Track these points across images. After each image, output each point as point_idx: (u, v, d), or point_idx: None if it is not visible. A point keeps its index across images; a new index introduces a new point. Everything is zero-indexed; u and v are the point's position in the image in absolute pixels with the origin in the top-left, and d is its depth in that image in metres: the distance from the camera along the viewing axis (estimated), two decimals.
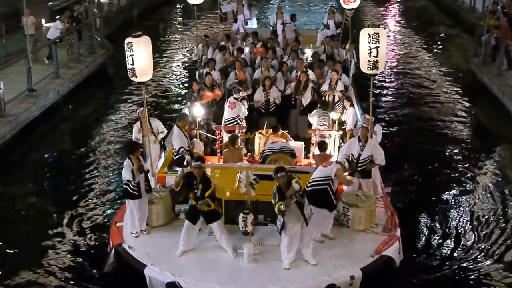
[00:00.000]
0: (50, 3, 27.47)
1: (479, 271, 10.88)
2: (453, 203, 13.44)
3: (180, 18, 35.74)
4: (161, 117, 14.54)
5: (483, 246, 11.63)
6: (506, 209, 13.03)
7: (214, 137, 13.37)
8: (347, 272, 9.17)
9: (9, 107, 16.24)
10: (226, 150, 12.57)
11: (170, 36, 30.83)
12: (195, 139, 12.71)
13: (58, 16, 22.13)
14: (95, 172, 14.84)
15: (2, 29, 21.46)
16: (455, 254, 11.39)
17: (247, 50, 17.71)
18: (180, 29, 32.51)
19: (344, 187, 10.89)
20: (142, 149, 11.29)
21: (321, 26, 22.59)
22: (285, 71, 15.58)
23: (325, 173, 10.01)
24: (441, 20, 33.28)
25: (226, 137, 13.05)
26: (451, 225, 12.46)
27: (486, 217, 12.75)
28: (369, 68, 10.79)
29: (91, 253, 11.33)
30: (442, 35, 30.22)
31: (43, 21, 23.97)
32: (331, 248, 9.88)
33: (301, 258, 9.47)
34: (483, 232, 12.14)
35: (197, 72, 17.23)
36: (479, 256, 11.31)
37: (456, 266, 11.03)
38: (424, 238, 11.95)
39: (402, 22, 33.96)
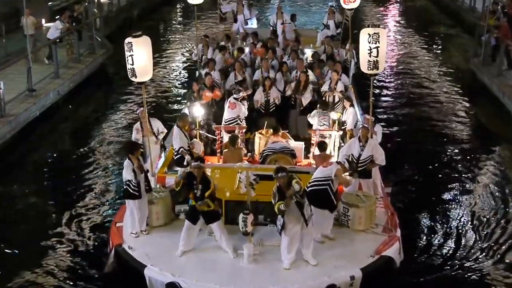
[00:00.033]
0: (50, 3, 27.46)
1: (479, 271, 10.87)
2: (453, 203, 13.44)
3: (180, 18, 35.74)
4: (161, 117, 14.53)
5: (483, 246, 11.63)
6: (506, 209, 13.03)
7: (214, 137, 13.36)
8: (347, 273, 9.16)
9: (9, 107, 16.24)
10: (226, 150, 12.56)
11: (170, 36, 30.82)
12: (195, 139, 12.71)
13: (58, 16, 22.12)
14: (95, 172, 14.83)
15: (2, 29, 21.45)
16: (456, 254, 11.39)
17: (247, 50, 17.71)
18: (180, 29, 32.50)
19: (345, 187, 10.89)
20: (142, 150, 11.28)
21: (321, 26, 22.60)
22: (285, 71, 15.57)
23: (325, 173, 10.01)
24: (441, 20, 33.27)
25: (226, 137, 13.04)
26: (452, 225, 12.46)
27: (486, 217, 12.76)
28: (369, 68, 10.78)
29: (91, 254, 11.33)
30: (442, 35, 30.22)
31: (43, 21, 24.00)
32: (331, 248, 9.87)
33: (301, 259, 9.46)
34: (484, 232, 12.14)
35: (197, 72, 17.23)
36: (479, 256, 11.31)
37: (456, 266, 11.02)
38: (424, 238, 11.94)
39: (402, 22, 33.94)
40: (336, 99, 14.53)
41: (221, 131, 13.13)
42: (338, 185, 10.28)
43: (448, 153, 16.18)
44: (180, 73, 24.09)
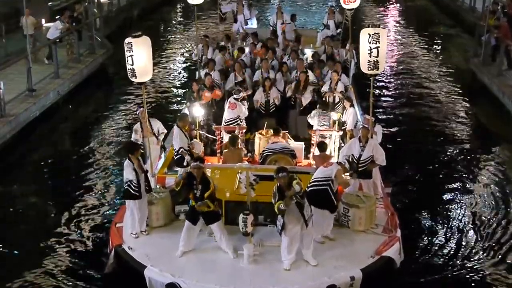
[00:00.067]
0: (50, 3, 27.46)
1: (480, 271, 10.87)
2: (453, 203, 13.44)
3: (180, 18, 35.72)
4: (161, 118, 14.52)
5: (484, 246, 11.63)
6: (507, 209, 13.02)
7: (214, 137, 13.36)
8: (347, 273, 9.15)
9: (9, 107, 16.23)
10: (226, 150, 12.55)
11: (170, 36, 30.81)
12: (195, 140, 12.70)
13: (58, 16, 22.11)
14: (95, 172, 14.83)
15: (2, 29, 21.46)
16: (456, 255, 11.38)
17: (247, 50, 17.71)
18: (180, 29, 32.49)
19: (343, 188, 10.88)
20: (142, 150, 11.27)
21: (321, 26, 22.59)
22: (285, 71, 15.57)
23: (325, 173, 10.01)
24: (441, 20, 33.28)
25: (226, 138, 13.04)
26: (452, 225, 12.46)
27: (487, 217, 12.76)
28: (369, 68, 10.77)
29: (90, 254, 11.32)
30: (442, 35, 30.22)
31: (43, 21, 23.99)
32: (332, 249, 9.86)
33: (301, 259, 9.46)
34: (484, 232, 12.13)
35: (197, 73, 17.22)
36: (480, 257, 11.31)
37: (457, 266, 11.02)
38: (424, 238, 11.93)
39: (402, 22, 33.94)
40: (337, 100, 14.52)
41: (221, 131, 13.13)
42: (338, 186, 10.27)
43: (448, 153, 16.18)
44: (180, 73, 24.09)
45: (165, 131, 12.65)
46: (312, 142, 12.88)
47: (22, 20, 20.78)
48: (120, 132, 17.43)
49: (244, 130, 13.27)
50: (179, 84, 22.49)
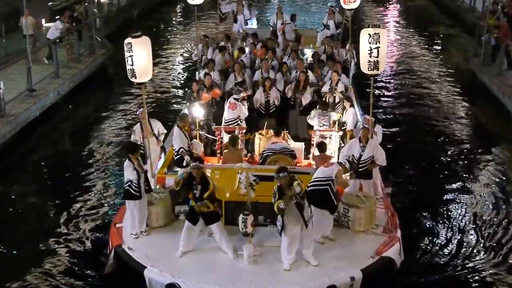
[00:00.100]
0: (50, 3, 27.47)
1: (481, 272, 10.86)
2: (453, 203, 13.43)
3: (180, 18, 35.72)
4: (161, 118, 14.51)
5: (484, 247, 11.62)
6: (507, 210, 13.01)
7: (214, 137, 13.35)
8: (347, 273, 9.14)
9: (9, 107, 16.23)
10: (226, 151, 12.54)
11: (170, 36, 30.81)
12: (194, 140, 12.69)
13: (58, 16, 22.11)
14: (95, 172, 14.82)
15: (2, 29, 21.45)
16: (457, 255, 11.36)
17: (247, 50, 17.71)
18: (180, 29, 32.50)
19: (342, 188, 10.88)
20: (142, 151, 11.26)
21: (321, 26, 22.59)
22: (285, 71, 15.58)
23: (326, 173, 10.00)
24: (441, 20, 33.29)
25: (226, 138, 13.03)
26: (452, 226, 12.45)
27: (487, 217, 12.75)
28: (369, 69, 10.76)
29: (90, 254, 11.31)
30: (442, 35, 30.23)
31: (43, 21, 23.99)
32: (331, 249, 9.85)
33: (301, 260, 9.45)
34: (485, 233, 12.12)
35: (197, 73, 17.23)
36: (481, 257, 11.30)
37: (457, 266, 11.01)
38: (424, 238, 11.91)
39: (402, 22, 33.94)
40: (337, 100, 14.51)
41: (221, 131, 13.12)
42: (337, 186, 10.26)
43: (448, 153, 16.18)
44: (180, 73, 24.09)
45: (165, 131, 12.64)
46: (312, 142, 12.87)
47: (21, 20, 20.79)
48: (120, 132, 17.43)
49: (244, 131, 13.26)
50: (179, 84, 22.49)
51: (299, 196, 9.09)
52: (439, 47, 27.92)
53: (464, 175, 14.78)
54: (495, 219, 12.66)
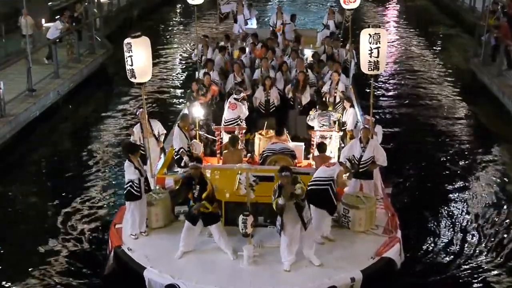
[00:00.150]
0: (50, 3, 27.43)
1: (481, 272, 10.84)
2: (454, 204, 13.42)
3: (180, 18, 35.70)
4: (161, 118, 14.51)
5: (485, 247, 11.60)
6: (507, 210, 13.00)
7: (214, 138, 13.34)
8: (347, 274, 9.13)
9: (9, 107, 16.21)
10: (226, 151, 12.53)
11: (170, 37, 30.80)
12: (194, 140, 12.67)
13: (58, 16, 22.09)
14: (94, 172, 14.80)
15: (2, 29, 21.45)
16: (457, 255, 11.35)
17: (247, 50, 17.71)
18: (180, 29, 32.48)
19: (345, 188, 10.87)
20: (142, 151, 11.25)
21: (321, 26, 22.59)
22: (284, 70, 15.58)
23: (327, 173, 9.98)
24: (441, 20, 33.28)
25: (226, 138, 13.02)
26: (453, 226, 12.44)
27: (487, 217, 12.74)
28: (370, 69, 10.76)
29: (90, 255, 11.31)
30: (442, 35, 30.22)
31: (43, 21, 23.97)
32: (332, 250, 9.84)
33: (301, 260, 9.43)
34: (485, 233, 12.12)
35: (197, 73, 17.23)
36: (481, 257, 11.28)
37: (458, 267, 10.99)
38: (425, 239, 11.89)
39: (402, 22, 33.94)
40: (337, 99, 14.50)
41: (220, 132, 13.11)
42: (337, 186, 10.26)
43: (448, 153, 16.17)
44: (180, 73, 24.08)
45: (165, 131, 12.64)
46: (312, 142, 12.86)
47: (20, 20, 20.79)
48: (120, 132, 17.41)
49: (244, 131, 13.24)
50: (179, 84, 22.47)
51: (301, 198, 9.06)
52: (439, 47, 27.92)
53: (464, 175, 14.77)
54: (496, 219, 12.65)
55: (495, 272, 10.83)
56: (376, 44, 10.52)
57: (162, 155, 12.44)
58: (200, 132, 13.28)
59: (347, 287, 9.08)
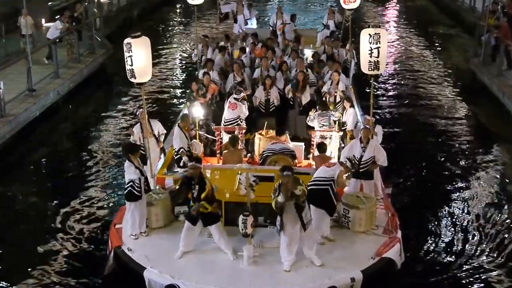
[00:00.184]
0: (50, 3, 27.44)
1: (483, 272, 10.84)
2: (453, 204, 13.41)
3: (180, 18, 35.70)
4: (161, 118, 14.50)
5: (485, 247, 11.60)
6: (508, 210, 12.99)
7: (214, 138, 13.33)
8: (347, 275, 9.12)
9: (9, 107, 16.21)
10: (226, 151, 12.52)
11: (170, 37, 30.80)
12: (194, 140, 12.66)
13: (58, 16, 22.10)
14: (94, 172, 14.80)
15: (2, 29, 21.45)
16: (457, 256, 11.35)
17: (247, 50, 17.71)
18: (180, 29, 32.49)
19: (346, 188, 10.87)
20: (142, 151, 11.24)
21: (321, 26, 22.59)
22: (284, 70, 15.58)
23: (328, 173, 9.97)
24: (441, 20, 33.28)
25: (225, 138, 13.01)
26: (453, 226, 12.43)
27: (487, 217, 12.73)
28: (370, 69, 10.76)
29: (90, 255, 11.31)
30: (442, 35, 30.20)
31: (43, 21, 23.96)
32: (332, 250, 9.83)
33: (301, 261, 9.42)
34: (485, 233, 12.11)
35: (197, 73, 17.23)
36: (482, 257, 11.28)
37: (458, 267, 10.99)
38: (425, 239, 11.89)
39: (402, 22, 33.93)
40: (338, 99, 14.49)
41: (220, 132, 13.10)
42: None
43: (448, 153, 16.16)
44: (179, 73, 24.08)
45: (165, 131, 12.63)
46: (312, 142, 12.86)
47: (19, 20, 20.78)
48: (120, 132, 17.41)
49: (244, 131, 13.23)
50: (179, 84, 22.48)
51: (301, 200, 9.05)
52: (439, 47, 27.90)
53: (464, 175, 14.76)
54: (496, 219, 12.64)
55: (496, 272, 10.83)
56: (376, 44, 10.52)
57: (162, 155, 12.43)
58: (200, 132, 13.27)
59: (347, 287, 9.07)
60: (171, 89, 21.84)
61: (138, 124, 12.12)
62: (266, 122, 13.63)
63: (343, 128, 13.40)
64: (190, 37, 28.91)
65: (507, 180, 14.50)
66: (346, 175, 10.48)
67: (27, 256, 11.32)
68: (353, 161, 10.97)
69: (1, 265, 11.09)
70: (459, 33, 29.31)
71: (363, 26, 11.02)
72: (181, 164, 11.43)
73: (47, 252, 11.38)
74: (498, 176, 14.72)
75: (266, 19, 30.38)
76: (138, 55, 10.26)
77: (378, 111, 18.41)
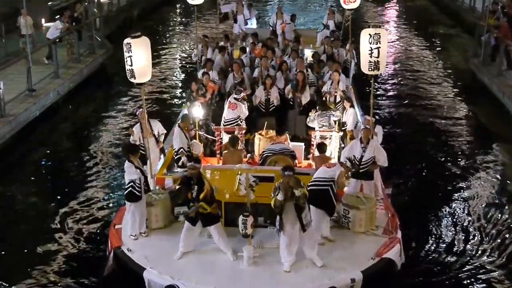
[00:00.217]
0: (50, 3, 27.44)
1: (483, 273, 10.82)
2: (454, 204, 13.40)
3: (180, 18, 35.70)
4: (161, 118, 14.49)
5: (486, 248, 11.58)
6: (508, 210, 12.98)
7: (214, 138, 13.32)
8: (347, 275, 9.11)
9: (9, 107, 16.20)
10: (225, 151, 12.51)
11: (170, 37, 30.80)
12: (194, 140, 12.65)
13: (58, 16, 22.10)
14: (95, 173, 14.79)
15: (2, 29, 21.44)
16: (458, 256, 11.33)
17: (247, 50, 17.71)
18: (180, 29, 32.49)
19: (346, 188, 10.86)
20: (142, 151, 11.23)
21: (320, 26, 22.59)
22: (284, 70, 15.57)
23: (328, 174, 9.96)
24: (441, 20, 33.27)
25: (225, 138, 13.00)
26: (453, 226, 12.42)
27: (487, 217, 12.71)
28: (370, 69, 10.75)
29: (89, 255, 11.31)
30: (442, 35, 30.19)
31: (43, 21, 23.95)
32: (332, 250, 9.82)
33: (301, 261, 9.41)
34: (486, 233, 12.09)
35: (197, 73, 17.22)
36: (482, 258, 11.26)
37: (458, 268, 10.96)
38: (425, 239, 11.88)
39: (402, 22, 33.93)
40: (338, 99, 14.49)
41: (220, 132, 13.09)
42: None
43: (448, 153, 16.15)
44: (179, 73, 24.07)
45: (165, 131, 12.62)
46: (312, 143, 12.85)
47: (19, 20, 20.77)
48: (120, 132, 17.39)
49: (243, 131, 13.22)
50: (179, 84, 22.47)
51: (301, 201, 9.04)
52: (439, 47, 27.89)
53: (464, 175, 14.75)
54: (497, 219, 12.62)
55: (497, 272, 10.80)
56: (377, 44, 10.51)
57: (162, 156, 12.42)
58: (200, 132, 13.26)
59: None
60: (171, 89, 21.84)
61: (138, 124, 12.11)
62: (266, 122, 13.61)
63: (343, 128, 13.38)
64: (190, 37, 28.90)
65: (507, 180, 14.49)
66: (347, 174, 10.49)
67: (27, 256, 11.32)
68: (353, 162, 10.97)
69: (1, 265, 11.08)
70: (459, 33, 29.30)
71: (363, 26, 11.02)
72: (180, 164, 11.42)
73: (47, 252, 11.37)
74: (498, 176, 14.71)
75: (266, 19, 30.37)
76: (138, 55, 10.24)
77: (378, 111, 18.41)
